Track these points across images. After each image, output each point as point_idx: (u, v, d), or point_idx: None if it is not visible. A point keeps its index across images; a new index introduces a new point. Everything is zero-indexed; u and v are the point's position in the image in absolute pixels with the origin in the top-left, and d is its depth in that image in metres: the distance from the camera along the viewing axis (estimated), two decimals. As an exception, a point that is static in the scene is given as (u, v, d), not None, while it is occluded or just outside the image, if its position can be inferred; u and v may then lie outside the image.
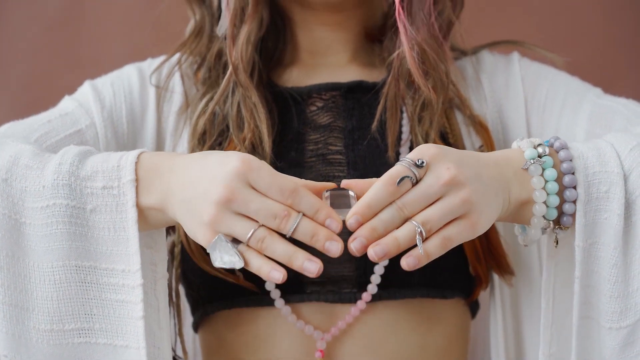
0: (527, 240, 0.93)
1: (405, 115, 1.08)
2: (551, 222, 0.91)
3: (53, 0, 1.66)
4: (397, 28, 1.04)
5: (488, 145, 1.08)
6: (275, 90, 1.10)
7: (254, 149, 1.05)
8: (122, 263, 0.90)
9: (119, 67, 1.63)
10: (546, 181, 0.90)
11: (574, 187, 0.90)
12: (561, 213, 0.91)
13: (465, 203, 0.85)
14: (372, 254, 0.84)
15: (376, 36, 1.13)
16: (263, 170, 0.85)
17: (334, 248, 0.84)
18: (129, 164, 0.90)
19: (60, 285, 0.89)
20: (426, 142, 1.06)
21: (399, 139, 1.07)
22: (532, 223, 0.90)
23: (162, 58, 1.15)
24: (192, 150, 1.07)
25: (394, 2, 1.04)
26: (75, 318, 0.90)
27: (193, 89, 1.12)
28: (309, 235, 0.84)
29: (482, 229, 0.87)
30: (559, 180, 0.90)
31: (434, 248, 0.84)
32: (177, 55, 1.13)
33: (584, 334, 0.93)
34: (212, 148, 1.07)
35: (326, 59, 1.13)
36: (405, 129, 1.08)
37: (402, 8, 1.03)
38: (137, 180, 0.90)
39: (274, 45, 1.13)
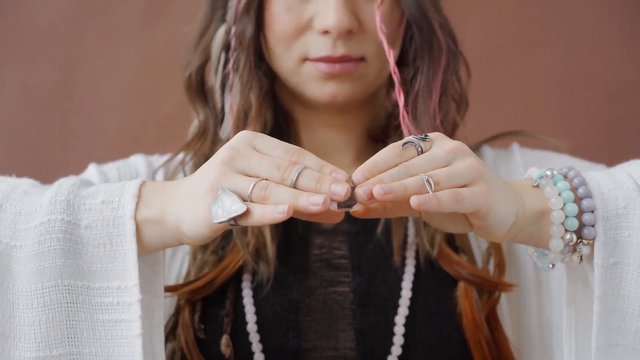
0: (550, 258, 0.89)
1: (410, 217, 1.06)
2: (573, 235, 0.87)
3: (45, 76, 1.66)
4: (401, 130, 1.04)
5: (494, 246, 1.07)
6: None
7: (258, 254, 1.04)
8: (117, 280, 0.87)
9: (111, 144, 1.64)
10: (560, 192, 0.88)
11: (590, 197, 0.88)
12: (582, 226, 0.88)
13: (472, 167, 0.83)
14: (378, 190, 0.79)
15: (380, 137, 1.13)
16: (268, 137, 0.84)
17: (340, 189, 0.80)
18: (134, 183, 0.89)
19: (49, 308, 0.86)
20: (432, 246, 1.05)
21: (405, 242, 1.06)
22: (552, 232, 0.87)
23: (168, 156, 1.15)
24: (194, 255, 1.06)
25: (397, 104, 1.04)
26: (64, 343, 0.86)
27: None
28: (314, 180, 0.81)
29: (496, 204, 0.83)
30: (572, 192, 0.88)
31: (445, 196, 0.80)
32: (181, 155, 1.12)
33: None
34: (214, 252, 1.06)
35: (330, 160, 1.10)
36: (411, 232, 1.07)
37: (407, 112, 1.03)
38: (139, 196, 0.88)
39: None
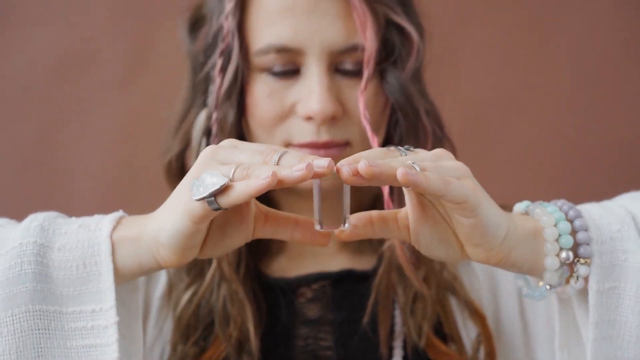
0: (547, 278, 0.85)
1: (397, 306, 1.04)
2: (569, 253, 0.84)
3: (24, 137, 1.64)
4: None
5: (484, 333, 1.04)
6: (263, 281, 1.07)
7: (241, 347, 1.01)
8: (91, 303, 0.84)
9: (91, 205, 1.62)
10: (550, 212, 0.86)
11: (582, 217, 0.86)
12: (577, 245, 0.85)
13: (459, 166, 0.80)
14: (363, 164, 0.75)
15: None
16: (250, 142, 0.82)
17: (323, 162, 0.77)
18: (117, 213, 0.87)
19: (20, 335, 0.82)
20: (419, 335, 1.02)
21: (392, 331, 1.03)
22: (547, 250, 0.84)
23: None
24: (174, 347, 1.03)
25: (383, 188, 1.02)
26: None
27: (178, 275, 1.08)
28: (296, 159, 0.78)
29: (484, 201, 0.79)
30: (563, 213, 0.86)
31: (433, 176, 0.76)
32: None
33: None
34: (196, 343, 1.03)
35: (314, 247, 1.09)
36: (398, 320, 1.04)
37: (392, 201, 1.01)
38: (118, 221, 0.86)
39: None
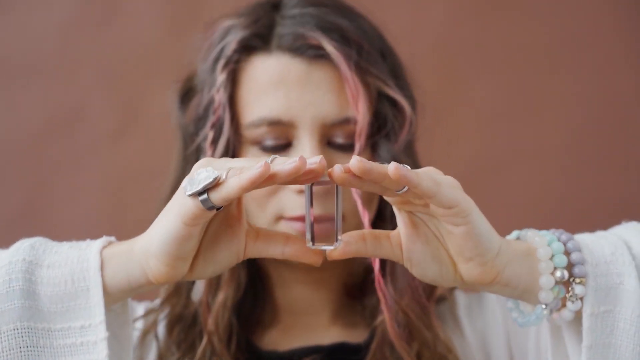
0: (542, 297, 0.83)
1: None
2: (564, 272, 0.83)
3: (12, 196, 1.63)
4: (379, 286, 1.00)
5: None
6: (255, 355, 1.05)
7: None
8: (80, 319, 0.82)
9: None
10: (542, 235, 0.85)
11: (574, 240, 0.85)
12: (571, 266, 0.84)
13: (450, 179, 0.80)
14: (354, 161, 0.75)
15: (357, 293, 1.09)
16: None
17: (315, 159, 0.77)
18: (107, 237, 0.86)
19: (9, 352, 0.81)
20: None
21: None
22: (541, 269, 0.83)
23: (145, 304, 1.11)
24: None
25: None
26: None
27: (168, 347, 1.06)
28: (287, 161, 0.76)
29: (476, 210, 0.79)
30: (555, 237, 0.86)
31: (424, 175, 0.76)
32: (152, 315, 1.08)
33: None
34: None
35: (306, 318, 1.08)
36: None
37: (384, 274, 1.00)
38: (111, 242, 0.85)
39: (252, 305, 1.08)
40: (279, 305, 1.09)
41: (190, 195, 0.77)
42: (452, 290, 1.13)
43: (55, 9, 1.68)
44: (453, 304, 1.12)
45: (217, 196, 0.77)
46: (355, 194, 1.00)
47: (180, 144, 1.09)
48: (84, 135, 1.67)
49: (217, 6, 1.70)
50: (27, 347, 0.82)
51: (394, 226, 1.02)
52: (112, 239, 0.87)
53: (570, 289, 0.84)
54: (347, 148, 1.02)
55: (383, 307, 0.99)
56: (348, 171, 0.76)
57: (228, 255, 0.83)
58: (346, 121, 1.01)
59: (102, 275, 0.83)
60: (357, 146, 1.00)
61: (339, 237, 0.82)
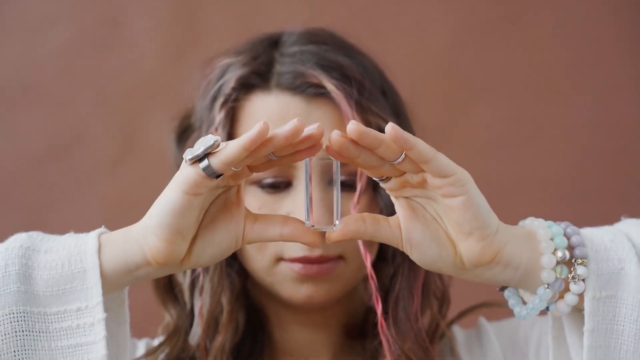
0: (544, 276, 0.82)
1: None
2: (566, 252, 0.82)
3: (13, 224, 1.62)
4: (380, 325, 0.99)
5: None
6: None
7: None
8: (76, 301, 0.82)
9: None
10: (541, 220, 0.85)
11: (572, 225, 0.85)
12: (572, 248, 0.83)
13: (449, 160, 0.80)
14: (350, 125, 0.76)
15: (358, 334, 1.08)
16: None
17: (313, 126, 0.78)
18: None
19: (4, 338, 0.80)
20: None
21: None
22: (542, 249, 0.82)
23: (146, 340, 1.10)
24: None
25: (376, 299, 0.99)
26: None
27: None
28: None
29: (473, 184, 0.79)
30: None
31: (422, 142, 0.77)
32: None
33: None
34: None
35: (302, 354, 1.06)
36: None
37: (386, 317, 0.98)
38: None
39: (251, 348, 1.06)
40: (278, 347, 1.07)
41: (191, 161, 0.77)
42: (450, 325, 1.12)
43: (55, 35, 1.67)
44: (452, 340, 1.10)
45: (217, 160, 0.76)
46: None
47: None
48: (83, 160, 1.66)
49: (216, 34, 1.71)
50: (23, 331, 0.81)
51: (395, 267, 1.01)
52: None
53: (572, 269, 0.83)
54: (349, 187, 0.99)
55: (386, 351, 0.97)
56: (345, 136, 0.76)
57: (227, 237, 0.82)
58: None
59: (100, 258, 0.82)
60: (358, 187, 0.98)
61: (338, 219, 0.81)
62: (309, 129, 0.77)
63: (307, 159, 0.81)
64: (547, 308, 0.85)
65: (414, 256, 0.83)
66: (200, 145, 0.77)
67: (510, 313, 1.11)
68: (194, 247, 0.82)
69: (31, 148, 1.66)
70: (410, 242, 0.82)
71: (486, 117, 1.71)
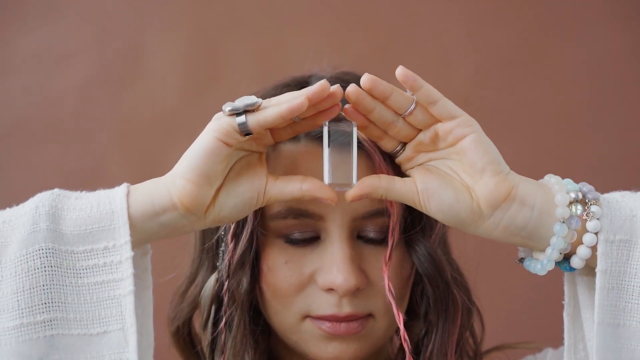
0: (559, 212, 0.85)
1: None
2: (578, 193, 0.86)
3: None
4: None
5: None
6: None
7: None
8: (103, 241, 0.84)
9: None
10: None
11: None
12: (583, 193, 0.87)
13: None
14: (364, 77, 0.84)
15: None
16: None
17: (336, 85, 0.85)
18: None
19: (33, 272, 0.83)
20: None
21: None
22: (554, 189, 0.86)
23: None
24: None
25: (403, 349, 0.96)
26: (48, 307, 0.83)
27: None
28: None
29: (476, 123, 0.86)
30: None
31: (429, 85, 0.85)
32: None
33: (611, 345, 0.85)
34: None
35: None
36: None
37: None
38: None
39: None
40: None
41: (229, 113, 0.83)
42: None
43: (75, 70, 1.67)
44: None
45: (254, 119, 0.83)
46: (389, 294, 0.94)
47: (198, 236, 1.04)
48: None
49: (237, 69, 1.70)
50: (52, 266, 0.83)
51: (427, 325, 0.99)
52: None
53: (586, 207, 0.86)
54: (380, 242, 0.96)
55: None
56: (360, 89, 0.84)
57: (250, 189, 0.87)
58: (378, 214, 0.94)
59: (128, 201, 0.85)
60: (390, 242, 0.94)
61: (355, 179, 0.87)
62: (331, 88, 0.84)
63: (326, 121, 0.87)
64: (566, 268, 0.88)
65: (432, 205, 0.86)
66: (242, 102, 0.83)
67: (521, 354, 1.14)
68: (218, 197, 0.86)
69: (50, 183, 1.63)
70: (426, 192, 0.86)
71: (508, 154, 1.68)
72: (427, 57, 1.74)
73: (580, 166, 1.71)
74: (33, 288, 0.83)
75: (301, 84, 1.03)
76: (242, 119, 0.83)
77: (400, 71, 0.83)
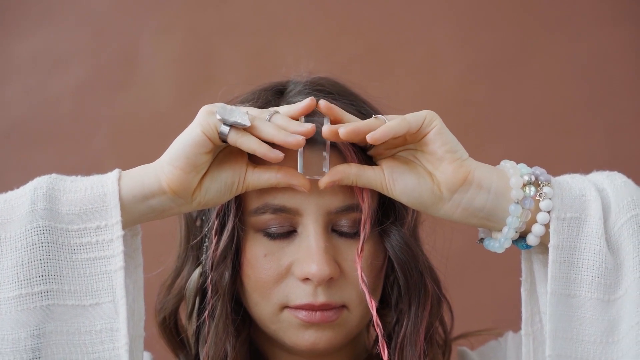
0: (514, 194, 0.93)
1: None
2: (532, 176, 0.94)
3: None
4: None
5: None
6: None
7: None
8: (96, 220, 0.91)
9: None
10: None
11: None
12: (536, 175, 0.94)
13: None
14: (342, 130, 0.92)
15: None
16: None
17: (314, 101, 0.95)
18: None
19: (32, 248, 0.90)
20: None
21: None
22: (509, 173, 0.94)
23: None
24: None
25: (382, 345, 0.99)
26: (45, 279, 0.90)
27: None
28: (285, 120, 0.94)
29: (438, 118, 0.93)
30: None
31: (392, 121, 0.92)
32: None
33: (563, 313, 0.92)
34: None
35: None
36: None
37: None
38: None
39: None
40: (281, 392, 1.08)
41: (218, 118, 0.90)
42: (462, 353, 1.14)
43: (70, 74, 1.69)
44: None
45: (234, 137, 0.92)
46: (362, 284, 0.98)
47: (184, 233, 1.09)
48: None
49: (229, 72, 1.72)
50: (48, 242, 0.91)
51: (398, 313, 1.02)
52: None
53: (539, 189, 0.93)
54: (352, 236, 1.01)
55: None
56: (335, 131, 0.92)
57: (231, 175, 0.95)
58: (350, 208, 1.00)
59: (119, 185, 0.93)
60: (362, 235, 0.99)
61: (327, 168, 0.95)
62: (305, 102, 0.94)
63: (302, 117, 0.95)
64: (522, 245, 0.95)
65: (397, 188, 0.95)
66: (235, 117, 0.91)
67: (484, 340, 1.16)
68: (204, 182, 0.94)
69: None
70: (392, 176, 0.95)
71: (498, 155, 1.70)
72: (418, 58, 1.76)
73: (570, 166, 1.72)
74: (31, 262, 0.90)
75: (279, 90, 1.08)
76: (225, 129, 0.91)
77: (372, 135, 0.92)
